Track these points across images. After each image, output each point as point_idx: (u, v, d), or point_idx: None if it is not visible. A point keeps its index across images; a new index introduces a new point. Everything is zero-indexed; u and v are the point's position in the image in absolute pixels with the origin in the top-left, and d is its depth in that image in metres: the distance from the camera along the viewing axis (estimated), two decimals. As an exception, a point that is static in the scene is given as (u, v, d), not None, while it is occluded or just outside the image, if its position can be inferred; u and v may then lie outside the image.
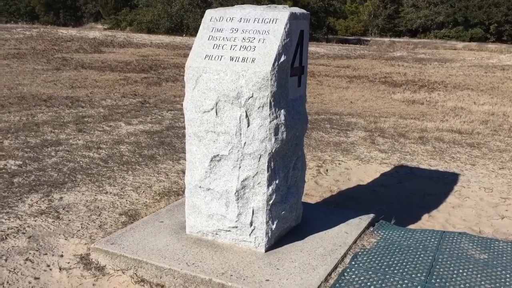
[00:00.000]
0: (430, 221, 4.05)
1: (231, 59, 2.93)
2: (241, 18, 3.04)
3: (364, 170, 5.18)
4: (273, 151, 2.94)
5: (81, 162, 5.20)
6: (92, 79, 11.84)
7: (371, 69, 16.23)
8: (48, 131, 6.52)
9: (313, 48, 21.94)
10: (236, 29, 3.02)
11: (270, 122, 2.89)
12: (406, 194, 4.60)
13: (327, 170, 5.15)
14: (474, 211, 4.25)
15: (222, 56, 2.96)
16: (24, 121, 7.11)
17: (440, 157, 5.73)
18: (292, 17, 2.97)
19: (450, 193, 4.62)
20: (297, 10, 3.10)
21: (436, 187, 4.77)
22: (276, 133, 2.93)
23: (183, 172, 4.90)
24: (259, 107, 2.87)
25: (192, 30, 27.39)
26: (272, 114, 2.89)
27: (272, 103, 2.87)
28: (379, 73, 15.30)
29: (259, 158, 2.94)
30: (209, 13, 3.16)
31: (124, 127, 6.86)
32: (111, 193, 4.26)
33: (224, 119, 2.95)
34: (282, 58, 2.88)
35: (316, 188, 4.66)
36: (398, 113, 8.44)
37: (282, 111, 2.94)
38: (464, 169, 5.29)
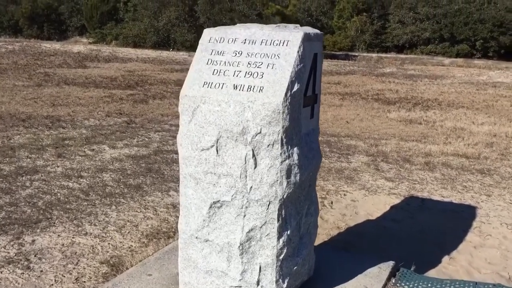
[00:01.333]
0: (452, 265, 3.60)
1: (235, 87, 2.47)
2: (245, 39, 2.59)
3: (372, 202, 4.73)
4: (284, 196, 2.47)
5: (58, 194, 4.67)
6: (75, 96, 11.30)
7: (363, 85, 15.94)
8: (24, 156, 5.98)
9: (302, 63, 21.64)
10: (240, 52, 2.57)
11: (282, 162, 2.43)
12: (420, 230, 4.16)
13: (332, 203, 4.70)
14: (498, 252, 3.82)
15: (223, 83, 2.50)
16: (-2, 144, 6.55)
17: (451, 186, 5.31)
18: (306, 38, 2.53)
19: (469, 229, 4.19)
20: (310, 30, 2.66)
21: (452, 222, 4.34)
22: (288, 176, 2.46)
23: (174, 206, 4.40)
24: (268, 145, 2.41)
25: (179, 45, 26.96)
26: (284, 153, 2.43)
27: (284, 140, 2.42)
28: (371, 89, 15.00)
29: (268, 205, 2.47)
30: (208, 33, 2.70)
31: (108, 151, 6.34)
32: (91, 234, 3.74)
33: (226, 159, 2.48)
34: (296, 87, 2.44)
35: (322, 224, 4.20)
36: (398, 135, 8.06)
37: (295, 149, 2.49)
38: (480, 201, 4.88)
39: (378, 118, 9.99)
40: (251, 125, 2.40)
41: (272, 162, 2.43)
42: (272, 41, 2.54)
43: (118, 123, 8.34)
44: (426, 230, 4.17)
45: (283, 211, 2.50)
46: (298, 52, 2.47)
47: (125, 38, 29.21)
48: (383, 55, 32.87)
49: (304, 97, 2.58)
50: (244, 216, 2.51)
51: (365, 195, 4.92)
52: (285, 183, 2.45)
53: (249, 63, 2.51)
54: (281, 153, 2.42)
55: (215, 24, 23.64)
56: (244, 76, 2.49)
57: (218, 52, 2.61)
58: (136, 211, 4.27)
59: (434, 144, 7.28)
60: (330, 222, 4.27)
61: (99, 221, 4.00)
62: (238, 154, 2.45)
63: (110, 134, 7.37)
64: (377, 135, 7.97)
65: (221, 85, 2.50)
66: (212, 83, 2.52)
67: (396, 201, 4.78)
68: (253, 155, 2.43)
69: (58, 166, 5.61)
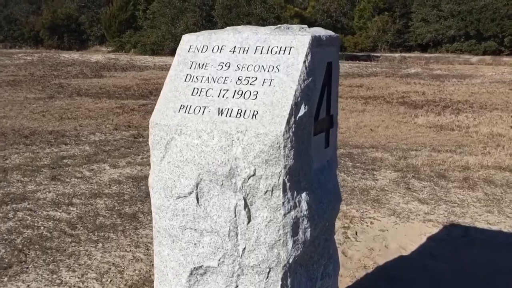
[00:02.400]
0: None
1: (220, 112, 1.82)
2: (235, 47, 1.94)
3: (404, 232, 4.01)
4: (290, 261, 1.81)
5: (42, 227, 4.09)
6: (85, 108, 10.86)
7: (386, 88, 15.13)
8: (15, 179, 5.45)
9: (322, 66, 20.91)
10: (228, 64, 1.92)
11: (285, 215, 1.76)
12: (468, 271, 3.43)
13: (356, 233, 4.00)
14: None
15: (205, 107, 1.86)
16: (-8, 166, 6.05)
17: (497, 209, 4.55)
18: (315, 43, 1.87)
19: (527, 268, 3.44)
20: (321, 32, 2.00)
21: (507, 259, 3.59)
22: (295, 233, 1.80)
23: (170, 242, 3.77)
24: (265, 192, 1.76)
25: (197, 51, 26.45)
26: (288, 202, 1.77)
27: (288, 184, 1.75)
28: (396, 92, 14.19)
29: (268, 273, 1.81)
30: (187, 40, 2.06)
31: (108, 172, 5.77)
32: (66, 284, 3.13)
33: (210, 210, 1.83)
34: (302, 110, 1.78)
35: (345, 262, 3.51)
36: (428, 144, 7.28)
37: (304, 195, 1.82)
38: (535, 228, 4.11)
39: (405, 125, 9.21)
40: (242, 164, 1.75)
41: (272, 215, 1.76)
42: (270, 49, 1.88)
43: (125, 137, 7.80)
44: (475, 270, 3.43)
45: (289, 280, 1.83)
46: (304, 62, 1.81)
47: (143, 46, 28.94)
48: (407, 54, 31.87)
49: (315, 121, 1.92)
50: (236, 287, 1.84)
51: (396, 222, 4.20)
52: (290, 243, 1.79)
53: (239, 79, 1.86)
54: (283, 203, 1.75)
55: (232, 28, 23.01)
56: (233, 97, 1.84)
57: (199, 65, 1.96)
58: (125, 250, 3.65)
59: (472, 155, 6.48)
60: (355, 260, 3.57)
61: (79, 264, 3.39)
62: (225, 204, 1.80)
63: (114, 151, 6.81)
64: (405, 145, 7.21)
65: (202, 109, 1.86)
66: (190, 106, 1.88)
67: (434, 230, 4.05)
68: (246, 206, 1.78)
69: (49, 192, 5.05)
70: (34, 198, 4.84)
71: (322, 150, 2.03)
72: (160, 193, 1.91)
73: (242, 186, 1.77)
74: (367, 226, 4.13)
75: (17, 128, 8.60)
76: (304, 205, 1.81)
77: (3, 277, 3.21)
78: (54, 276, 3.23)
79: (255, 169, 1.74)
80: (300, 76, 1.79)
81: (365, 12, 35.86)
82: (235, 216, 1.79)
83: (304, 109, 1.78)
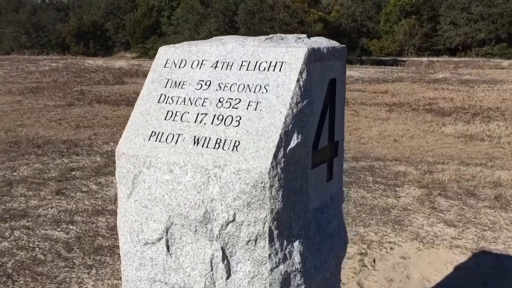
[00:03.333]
0: None
1: (196, 141, 1.50)
2: (217, 62, 1.62)
3: (428, 260, 3.61)
4: (279, 326, 1.47)
5: (37, 249, 3.85)
6: (102, 116, 10.73)
7: (412, 94, 14.59)
8: (19, 194, 5.25)
9: (346, 71, 20.44)
10: (208, 83, 1.60)
11: (272, 270, 1.43)
12: (499, 308, 3.02)
13: (374, 261, 3.61)
14: None
15: (179, 135, 1.54)
16: (-1, 178, 5.88)
17: (534, 233, 4.09)
18: (313, 57, 1.53)
19: None
20: (323, 42, 1.66)
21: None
22: (284, 291, 1.46)
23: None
24: (248, 242, 1.43)
25: (219, 57, 26.35)
26: (275, 254, 1.43)
27: (275, 231, 1.42)
28: (422, 98, 13.66)
29: None
30: (164, 52, 1.76)
31: (115, 185, 5.51)
32: (50, 319, 2.86)
33: (182, 261, 1.52)
34: (294, 140, 1.44)
35: (360, 296, 3.14)
36: (457, 156, 6.81)
37: (296, 244, 1.48)
38: None
39: (431, 134, 8.73)
40: (219, 207, 1.43)
41: (256, 269, 1.43)
42: (258, 64, 1.56)
43: (138, 148, 7.56)
44: (506, 306, 3.02)
45: None
46: (298, 80, 1.48)
47: (165, 51, 29.01)
48: (434, 59, 31.10)
49: (314, 151, 1.58)
50: None
51: (419, 248, 3.80)
52: (279, 305, 1.45)
53: (220, 101, 1.54)
54: (270, 255, 1.42)
55: (255, 34, 22.78)
56: (211, 123, 1.52)
57: (175, 83, 1.65)
58: (120, 277, 3.36)
59: (504, 169, 5.99)
60: (372, 293, 3.20)
61: (68, 295, 3.12)
62: (200, 255, 1.48)
63: (124, 162, 6.57)
64: (431, 157, 6.76)
65: (175, 137, 1.54)
66: (162, 134, 1.57)
67: (461, 258, 3.63)
68: (224, 257, 1.45)
69: (51, 207, 4.83)
70: (35, 215, 4.61)
71: (323, 185, 1.68)
72: (127, 237, 1.60)
73: (220, 234, 1.44)
74: (387, 252, 3.75)
75: (32, 137, 8.50)
76: (296, 257, 1.47)
77: (-16, 308, 2.96)
78: (38, 308, 2.96)
79: (234, 214, 1.42)
80: (292, 98, 1.46)
81: (391, 16, 35.23)
82: (212, 269, 1.47)
83: (297, 139, 1.45)
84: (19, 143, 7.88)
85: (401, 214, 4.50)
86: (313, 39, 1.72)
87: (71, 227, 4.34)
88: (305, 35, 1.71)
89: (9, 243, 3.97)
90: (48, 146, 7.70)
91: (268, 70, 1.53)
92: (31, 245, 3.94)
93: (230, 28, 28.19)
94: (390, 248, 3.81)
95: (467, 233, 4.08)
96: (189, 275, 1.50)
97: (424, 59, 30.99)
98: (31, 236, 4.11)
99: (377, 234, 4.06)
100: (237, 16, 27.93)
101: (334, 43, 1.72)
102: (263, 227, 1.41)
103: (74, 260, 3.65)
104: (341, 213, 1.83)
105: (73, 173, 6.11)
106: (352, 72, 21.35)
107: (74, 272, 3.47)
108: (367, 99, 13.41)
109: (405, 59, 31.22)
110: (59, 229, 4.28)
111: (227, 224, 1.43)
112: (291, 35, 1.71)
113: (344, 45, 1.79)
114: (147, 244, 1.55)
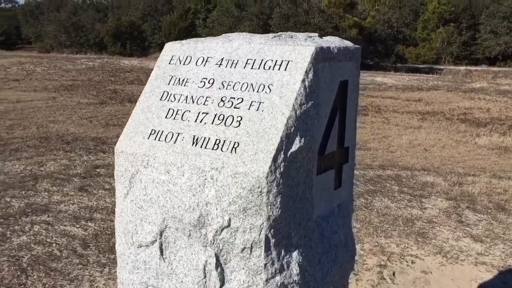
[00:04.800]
0: None
1: (195, 141, 1.44)
2: (222, 59, 1.56)
3: (451, 276, 3.44)
4: None
5: (53, 245, 3.87)
6: (132, 115, 10.83)
7: (447, 103, 14.20)
8: (43, 189, 5.32)
9: (379, 78, 20.09)
10: (212, 81, 1.53)
11: (267, 281, 1.35)
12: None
13: (394, 274, 3.47)
14: None
15: (179, 134, 1.48)
16: (26, 172, 5.98)
17: None
18: (321, 56, 1.45)
19: None
20: (334, 42, 1.57)
21: None
22: (280, 304, 1.37)
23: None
24: (243, 249, 1.35)
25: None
26: (272, 264, 1.35)
27: (272, 240, 1.34)
28: (457, 108, 13.28)
29: None
30: (170, 48, 1.70)
31: (137, 184, 5.53)
32: (58, 315, 2.84)
33: (176, 266, 1.45)
34: (297, 144, 1.36)
35: (376, 310, 3.00)
36: (489, 169, 6.54)
37: (295, 254, 1.39)
38: None
39: (464, 145, 8.44)
40: (214, 211, 1.35)
41: (251, 279, 1.35)
42: (263, 62, 1.48)
43: (164, 148, 7.59)
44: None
45: None
46: (303, 81, 1.39)
47: (199, 53, 29.29)
48: (473, 68, 30.26)
49: (321, 156, 1.49)
50: None
51: (442, 263, 3.62)
52: (273, 318, 1.36)
53: (222, 100, 1.47)
54: (265, 265, 1.34)
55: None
56: (212, 122, 1.45)
57: (179, 80, 1.59)
58: (131, 277, 3.33)
59: (539, 184, 5.71)
60: (389, 308, 3.06)
61: (78, 292, 3.11)
62: (193, 261, 1.41)
63: (149, 162, 6.59)
64: (461, 169, 6.51)
65: (175, 136, 1.48)
66: (162, 132, 1.51)
67: (487, 275, 3.44)
68: (218, 265, 1.37)
69: (73, 203, 4.87)
70: (56, 211, 4.66)
71: (330, 192, 1.59)
72: (121, 238, 1.55)
73: (214, 240, 1.37)
74: (408, 265, 3.59)
75: (62, 133, 8.65)
76: (294, 268, 1.38)
77: (-4, 301, 2.98)
78: (48, 304, 2.96)
79: (229, 219, 1.34)
80: (296, 99, 1.37)
81: (429, 23, 34.49)
82: (205, 276, 1.39)
83: (300, 142, 1.36)
84: (49, 138, 8.03)
85: (425, 226, 4.32)
86: (325, 38, 1.63)
87: (89, 224, 4.35)
88: (316, 34, 1.62)
89: (28, 238, 4.01)
90: (76, 143, 7.81)
91: (273, 69, 1.46)
92: (48, 240, 3.97)
93: (264, 31, 28.20)
94: (412, 262, 3.64)
95: (495, 249, 3.87)
96: (181, 281, 1.43)
97: (462, 68, 30.18)
98: (49, 232, 4.14)
99: (398, 246, 3.90)
100: (272, 20, 27.93)
101: (347, 43, 1.63)
102: (259, 234, 1.32)
103: (88, 258, 3.65)
104: (349, 223, 1.72)
105: (98, 170, 6.16)
106: (386, 79, 20.97)
107: (87, 270, 3.46)
108: (400, 106, 13.13)
109: (441, 67, 30.49)
110: (77, 226, 4.30)
111: (222, 230, 1.35)
112: (302, 33, 1.63)
113: (359, 46, 1.69)
114: (141, 247, 1.49)
